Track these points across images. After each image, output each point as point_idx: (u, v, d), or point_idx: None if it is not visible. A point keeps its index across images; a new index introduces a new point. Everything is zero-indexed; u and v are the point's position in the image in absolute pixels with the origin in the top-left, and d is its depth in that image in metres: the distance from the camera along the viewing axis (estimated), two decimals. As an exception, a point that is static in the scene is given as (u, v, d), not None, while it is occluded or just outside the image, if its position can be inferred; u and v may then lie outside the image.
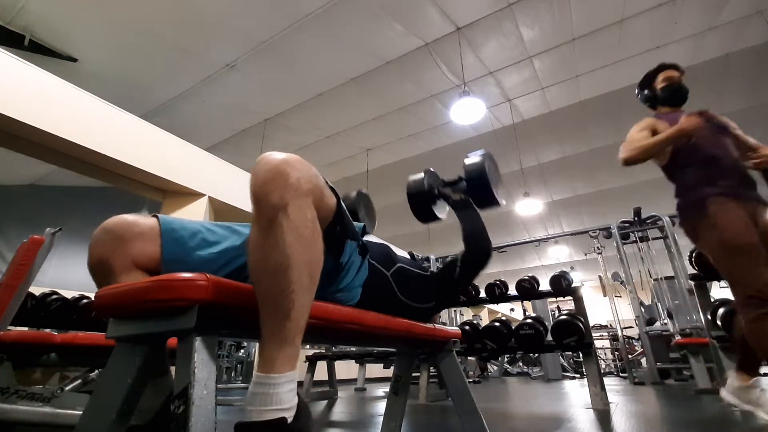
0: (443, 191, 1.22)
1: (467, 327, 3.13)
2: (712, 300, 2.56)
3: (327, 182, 0.71)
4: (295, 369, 0.58)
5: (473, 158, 1.17)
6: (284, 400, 0.54)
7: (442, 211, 1.25)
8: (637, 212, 4.90)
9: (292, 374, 0.57)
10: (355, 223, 0.84)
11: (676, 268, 4.07)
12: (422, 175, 1.22)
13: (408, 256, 1.34)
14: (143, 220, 0.78)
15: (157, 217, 0.80)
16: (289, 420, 0.54)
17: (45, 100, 2.97)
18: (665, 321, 4.62)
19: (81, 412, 0.60)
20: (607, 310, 6.48)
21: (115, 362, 0.61)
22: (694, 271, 2.50)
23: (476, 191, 1.15)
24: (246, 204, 4.39)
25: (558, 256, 11.45)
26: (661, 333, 4.56)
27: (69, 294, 2.71)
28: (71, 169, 3.40)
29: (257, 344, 5.52)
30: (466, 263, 1.11)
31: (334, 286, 0.82)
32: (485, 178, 1.12)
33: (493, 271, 12.47)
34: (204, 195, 4.07)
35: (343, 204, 0.76)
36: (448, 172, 1.28)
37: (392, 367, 2.09)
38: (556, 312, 7.71)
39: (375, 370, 5.86)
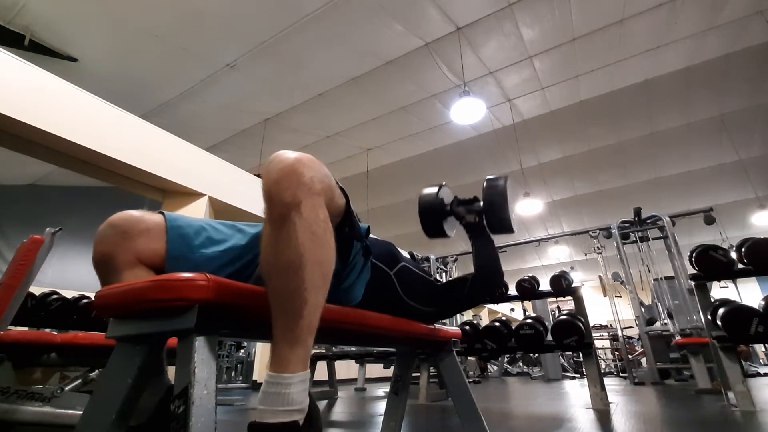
0: (457, 210, 1.17)
1: (467, 327, 3.12)
2: (712, 300, 2.56)
3: (337, 183, 0.71)
4: (308, 369, 0.58)
5: (494, 180, 1.12)
6: (296, 401, 0.54)
7: (452, 229, 1.21)
8: (637, 212, 4.90)
9: (305, 374, 0.57)
10: (359, 224, 0.84)
11: (676, 268, 4.07)
12: (436, 189, 1.16)
13: (408, 256, 1.34)
14: (149, 216, 0.79)
15: (163, 213, 0.80)
16: (301, 422, 0.54)
17: (45, 100, 2.97)
18: (665, 321, 4.61)
19: (81, 412, 0.60)
20: (607, 310, 6.47)
21: (115, 362, 0.61)
22: (694, 271, 2.49)
23: (493, 215, 1.10)
24: (246, 204, 4.40)
25: (558, 256, 11.45)
26: (661, 333, 4.56)
27: (69, 294, 2.71)
28: (71, 169, 3.40)
29: (257, 344, 5.53)
30: (475, 289, 1.09)
31: (337, 286, 0.82)
32: (505, 202, 1.08)
33: (493, 271, 12.46)
34: (204, 195, 4.06)
35: (351, 205, 0.76)
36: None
37: (392, 367, 2.09)
38: (556, 312, 7.71)
39: (375, 370, 5.86)
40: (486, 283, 1.10)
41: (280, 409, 0.53)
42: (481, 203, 1.13)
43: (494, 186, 1.10)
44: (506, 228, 1.11)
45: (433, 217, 1.15)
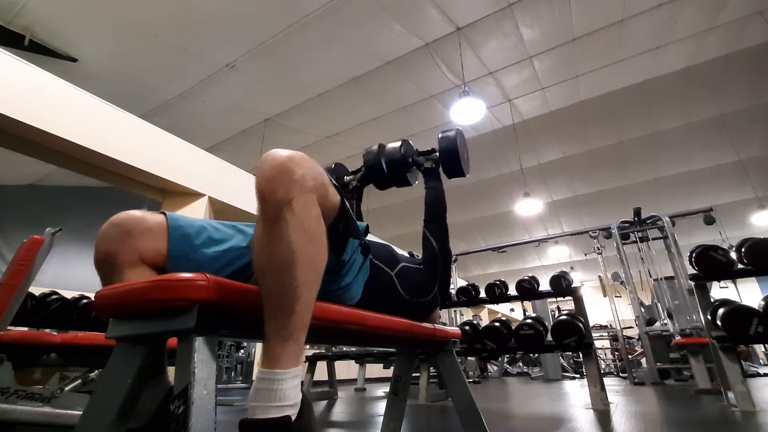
0: (417, 159, 1.37)
1: (467, 327, 3.12)
2: (712, 300, 2.56)
3: (332, 180, 0.71)
4: (300, 365, 0.58)
5: (446, 132, 1.32)
6: (288, 397, 0.54)
7: (414, 178, 1.41)
8: (637, 212, 4.90)
9: (297, 370, 0.57)
10: (358, 222, 0.84)
11: (676, 268, 4.07)
12: (399, 143, 1.36)
13: (407, 256, 1.37)
14: (151, 216, 0.79)
15: (164, 213, 0.81)
16: (293, 417, 0.54)
17: (45, 100, 2.97)
18: (665, 321, 4.61)
19: (81, 412, 0.60)
20: (607, 310, 6.47)
21: (115, 362, 0.61)
22: (694, 272, 2.49)
23: (446, 161, 1.30)
24: (246, 204, 4.39)
25: (558, 256, 11.45)
26: (661, 333, 4.56)
27: (69, 294, 2.70)
28: (71, 169, 3.40)
29: (257, 344, 5.52)
30: (430, 229, 1.21)
31: (335, 284, 0.82)
32: (455, 150, 1.27)
33: (493, 271, 12.48)
34: (204, 195, 4.06)
35: (347, 202, 0.76)
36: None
37: (392, 367, 2.09)
38: (556, 312, 7.71)
39: (375, 370, 5.85)
40: (434, 212, 1.26)
41: (272, 405, 0.53)
42: (437, 153, 1.33)
43: (446, 138, 1.30)
44: (458, 171, 1.30)
45: (397, 167, 1.33)
